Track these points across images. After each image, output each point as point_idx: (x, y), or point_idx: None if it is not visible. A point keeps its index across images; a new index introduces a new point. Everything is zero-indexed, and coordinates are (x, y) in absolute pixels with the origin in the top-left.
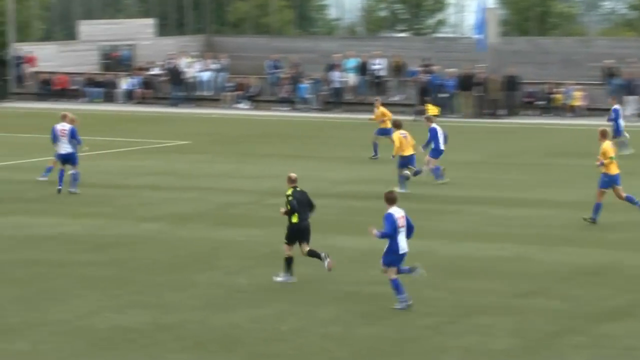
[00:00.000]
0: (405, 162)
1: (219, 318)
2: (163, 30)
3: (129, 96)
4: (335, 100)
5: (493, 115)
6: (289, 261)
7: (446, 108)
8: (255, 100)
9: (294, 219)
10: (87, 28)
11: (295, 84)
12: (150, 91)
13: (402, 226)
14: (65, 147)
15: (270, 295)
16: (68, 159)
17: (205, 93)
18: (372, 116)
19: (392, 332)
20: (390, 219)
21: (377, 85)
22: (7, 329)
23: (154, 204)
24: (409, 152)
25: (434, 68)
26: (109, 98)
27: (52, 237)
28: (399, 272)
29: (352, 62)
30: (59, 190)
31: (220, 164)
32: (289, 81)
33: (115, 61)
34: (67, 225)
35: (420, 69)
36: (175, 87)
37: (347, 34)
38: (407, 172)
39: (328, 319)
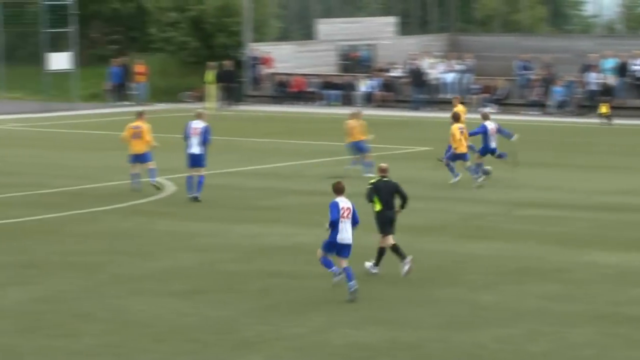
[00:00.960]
0: (458, 158)
1: (462, 337)
2: (405, 29)
3: (368, 99)
4: (591, 104)
5: None
6: (380, 252)
7: None
8: (503, 103)
9: (377, 208)
10: (326, 27)
11: (547, 86)
12: (390, 94)
13: (347, 217)
14: (195, 147)
15: (518, 314)
16: (196, 161)
17: (449, 96)
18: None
19: None
20: (335, 206)
21: (637, 87)
22: (242, 343)
23: None
24: (464, 149)
25: None
26: (347, 101)
27: (285, 248)
28: (325, 262)
29: (610, 63)
30: (195, 198)
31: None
32: (540, 83)
33: (354, 62)
34: (301, 235)
35: None
36: (416, 90)
37: (605, 32)
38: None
39: (582, 342)
